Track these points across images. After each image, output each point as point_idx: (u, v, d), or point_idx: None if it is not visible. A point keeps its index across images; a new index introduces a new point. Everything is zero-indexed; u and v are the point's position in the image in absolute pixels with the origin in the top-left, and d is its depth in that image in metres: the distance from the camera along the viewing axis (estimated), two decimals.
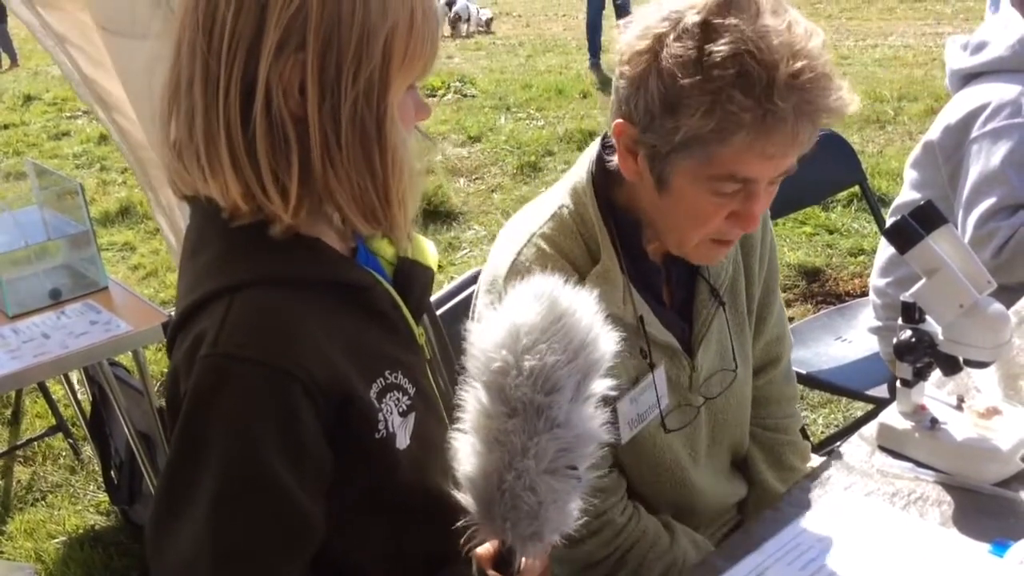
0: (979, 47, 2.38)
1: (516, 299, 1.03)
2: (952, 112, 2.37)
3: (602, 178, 1.47)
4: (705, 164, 1.30)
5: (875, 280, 2.60)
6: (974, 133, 2.29)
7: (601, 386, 1.04)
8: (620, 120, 1.37)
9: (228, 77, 0.97)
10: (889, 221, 2.56)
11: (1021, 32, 2.30)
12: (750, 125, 1.24)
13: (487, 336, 1.01)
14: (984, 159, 2.26)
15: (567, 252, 1.46)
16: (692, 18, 1.26)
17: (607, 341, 1.04)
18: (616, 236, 1.46)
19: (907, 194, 2.52)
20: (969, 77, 2.41)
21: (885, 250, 2.58)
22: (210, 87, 0.98)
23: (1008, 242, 2.19)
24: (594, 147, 1.50)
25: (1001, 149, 2.24)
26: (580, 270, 1.45)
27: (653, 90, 1.29)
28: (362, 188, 1.02)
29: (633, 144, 1.37)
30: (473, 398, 1.02)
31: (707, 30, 1.25)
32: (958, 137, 2.33)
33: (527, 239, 1.47)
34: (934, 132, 2.41)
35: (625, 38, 1.33)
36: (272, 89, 0.97)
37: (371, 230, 1.08)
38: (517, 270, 1.44)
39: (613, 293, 1.44)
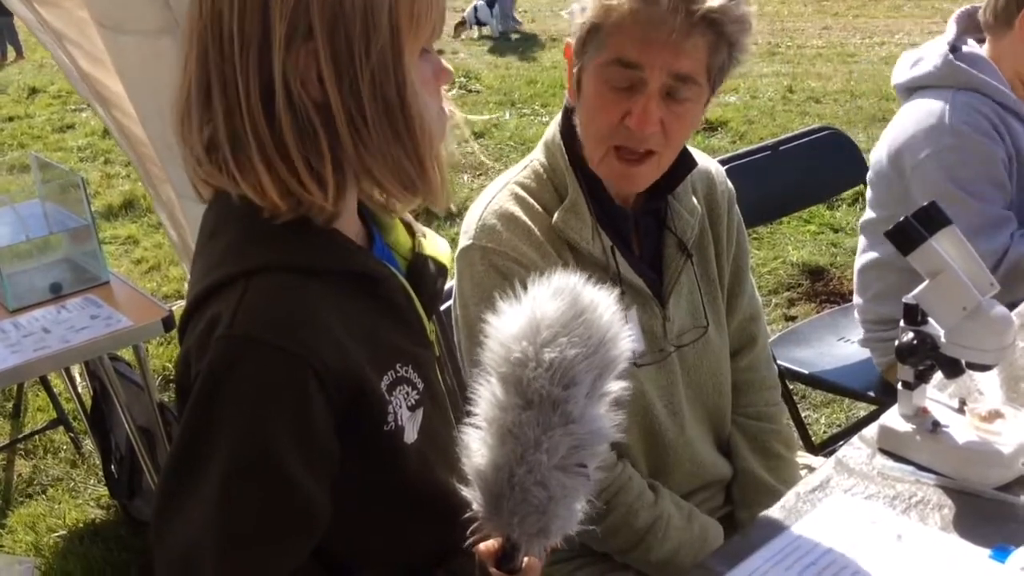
0: (917, 61, 2.41)
1: (536, 294, 1.03)
2: (892, 134, 2.38)
3: (569, 132, 1.58)
4: (600, 53, 1.45)
5: (856, 299, 2.61)
6: (909, 165, 2.29)
7: (615, 386, 1.04)
8: (567, 44, 1.53)
9: (245, 80, 0.98)
10: (860, 239, 2.58)
11: (944, 49, 2.32)
12: (628, 4, 1.40)
13: (506, 328, 1.02)
14: (932, 192, 2.21)
15: (538, 196, 1.57)
16: None
17: (625, 341, 1.04)
18: (583, 181, 1.56)
19: (868, 213, 2.52)
20: (910, 90, 2.42)
21: (857, 268, 2.58)
22: (230, 93, 0.99)
23: (997, 268, 2.18)
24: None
25: (939, 178, 2.23)
26: (550, 212, 1.56)
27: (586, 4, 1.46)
28: (396, 159, 1.03)
29: (572, 64, 1.52)
30: (487, 391, 1.03)
31: None
32: (897, 165, 2.34)
33: (502, 186, 1.60)
34: (879, 153, 2.43)
35: None
36: (290, 82, 0.98)
37: (409, 199, 1.09)
38: (492, 209, 1.55)
39: (582, 228, 1.55)
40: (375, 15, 0.98)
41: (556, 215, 1.54)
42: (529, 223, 1.53)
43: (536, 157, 1.62)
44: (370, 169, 1.03)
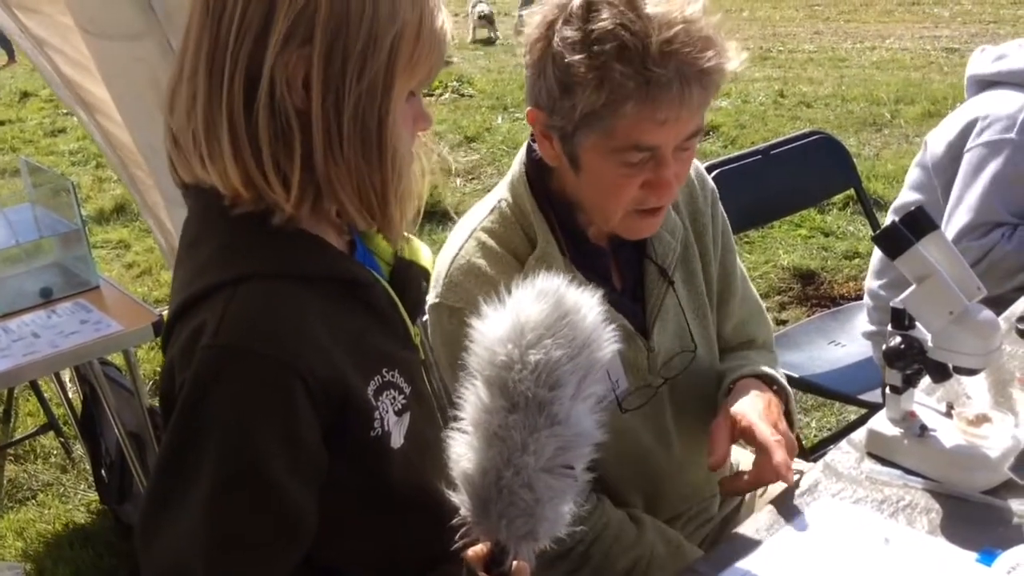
0: (1000, 56, 2.43)
1: (520, 297, 1.03)
2: (955, 121, 2.41)
3: (534, 168, 1.53)
4: (607, 138, 1.37)
5: (869, 282, 2.61)
6: (968, 144, 2.33)
7: (600, 387, 1.04)
8: (531, 108, 1.44)
9: (233, 66, 0.98)
10: (888, 220, 2.59)
11: None
12: (635, 94, 1.31)
13: (491, 331, 1.02)
14: (972, 172, 2.30)
15: (506, 243, 1.52)
16: (577, 1, 1.34)
17: (608, 342, 1.04)
18: (554, 222, 1.51)
19: (906, 195, 2.53)
20: (984, 84, 2.45)
21: (879, 251, 2.58)
22: (215, 74, 0.99)
23: (979, 263, 2.22)
24: (527, 142, 1.56)
25: (991, 165, 2.27)
26: (521, 259, 1.51)
27: (550, 74, 1.37)
28: (362, 183, 1.03)
29: (546, 129, 1.44)
30: (473, 394, 1.03)
31: (588, 10, 1.33)
32: (955, 150, 2.37)
33: (468, 234, 1.53)
34: (936, 141, 2.44)
35: (527, 29, 1.41)
36: (276, 81, 0.98)
37: (368, 224, 1.08)
38: (458, 264, 1.50)
39: None
40: (377, 42, 0.99)
41: (527, 266, 1.48)
42: (497, 277, 1.45)
43: (503, 197, 1.55)
44: (334, 186, 1.03)
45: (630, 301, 1.59)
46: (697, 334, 1.64)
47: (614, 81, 1.30)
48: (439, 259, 1.54)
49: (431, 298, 1.51)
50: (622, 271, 1.59)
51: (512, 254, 1.51)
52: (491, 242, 1.51)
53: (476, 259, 1.49)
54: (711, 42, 1.33)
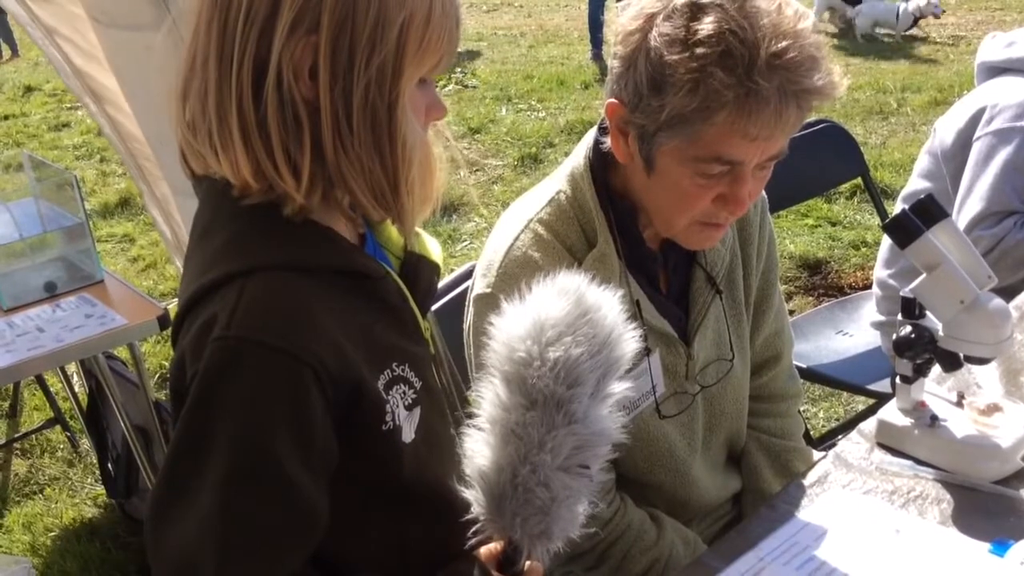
0: (1011, 43, 2.42)
1: (541, 294, 1.02)
2: (964, 108, 2.40)
3: (599, 163, 1.47)
4: (690, 144, 1.30)
5: (878, 271, 2.60)
6: (977, 132, 2.32)
7: (619, 387, 1.03)
8: (612, 100, 1.37)
9: (241, 55, 0.98)
10: (897, 205, 2.59)
11: None
12: (732, 104, 1.24)
13: (511, 328, 1.01)
14: (982, 161, 2.29)
15: (563, 238, 1.47)
16: None
17: (629, 341, 1.03)
18: (613, 221, 1.46)
19: (915, 183, 2.52)
20: (994, 71, 2.44)
21: (888, 240, 2.57)
22: (224, 64, 0.99)
23: (991, 252, 2.21)
24: (592, 133, 1.50)
25: (1001, 153, 2.26)
26: (576, 255, 1.46)
27: (642, 69, 1.29)
28: (373, 172, 1.02)
29: (623, 124, 1.37)
30: (491, 391, 1.02)
31: (695, 9, 1.26)
32: (964, 138, 2.36)
33: (524, 225, 1.47)
34: (945, 128, 2.44)
35: (621, 20, 1.34)
36: (283, 69, 0.97)
37: (381, 215, 1.07)
38: (513, 256, 1.45)
39: (609, 278, 1.44)
40: (385, 29, 0.98)
41: (585, 264, 1.44)
42: (552, 272, 1.44)
43: (561, 189, 1.49)
44: (345, 176, 1.02)
45: (674, 306, 1.55)
46: (735, 343, 1.62)
47: (711, 87, 1.23)
48: (489, 248, 1.49)
49: (480, 287, 1.47)
50: (669, 276, 1.55)
51: (568, 249, 1.46)
52: (547, 236, 1.45)
53: (532, 251, 1.44)
54: (818, 62, 1.26)
